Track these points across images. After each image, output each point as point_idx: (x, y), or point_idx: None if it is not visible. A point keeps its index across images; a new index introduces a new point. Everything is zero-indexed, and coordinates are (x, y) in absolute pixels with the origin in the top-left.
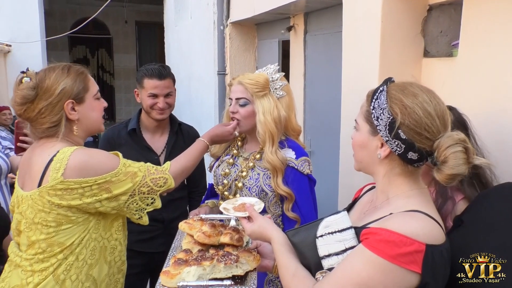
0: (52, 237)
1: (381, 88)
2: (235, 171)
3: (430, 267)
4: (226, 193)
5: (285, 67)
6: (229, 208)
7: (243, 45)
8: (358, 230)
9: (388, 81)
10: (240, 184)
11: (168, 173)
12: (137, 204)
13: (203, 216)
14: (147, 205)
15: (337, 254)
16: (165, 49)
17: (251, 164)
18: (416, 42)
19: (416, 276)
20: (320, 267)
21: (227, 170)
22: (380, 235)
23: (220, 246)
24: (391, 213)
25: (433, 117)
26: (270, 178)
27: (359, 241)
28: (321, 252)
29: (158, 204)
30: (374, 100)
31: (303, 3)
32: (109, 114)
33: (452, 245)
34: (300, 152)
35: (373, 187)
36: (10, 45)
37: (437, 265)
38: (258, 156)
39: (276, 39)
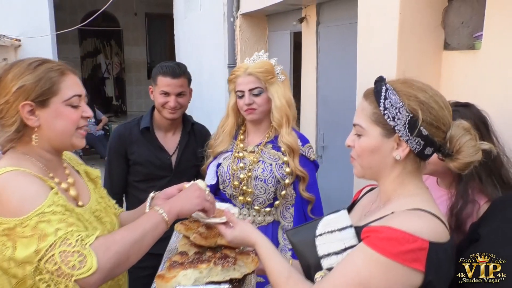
0: None
1: (384, 88)
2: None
3: (434, 265)
4: (244, 187)
5: (296, 60)
6: (203, 215)
7: (254, 37)
8: (358, 229)
9: (382, 80)
10: (253, 175)
11: (89, 247)
12: (50, 287)
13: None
14: None
15: (336, 253)
16: (175, 41)
17: (260, 156)
18: (436, 33)
19: (420, 274)
20: (319, 267)
21: (241, 165)
22: (382, 232)
23: (217, 247)
24: (393, 212)
25: (444, 109)
26: (282, 167)
27: (360, 240)
28: (320, 252)
29: None
30: (383, 100)
31: None
32: (120, 107)
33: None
34: (304, 139)
35: (372, 188)
36: (20, 40)
37: (441, 263)
38: (268, 145)
39: (288, 31)
